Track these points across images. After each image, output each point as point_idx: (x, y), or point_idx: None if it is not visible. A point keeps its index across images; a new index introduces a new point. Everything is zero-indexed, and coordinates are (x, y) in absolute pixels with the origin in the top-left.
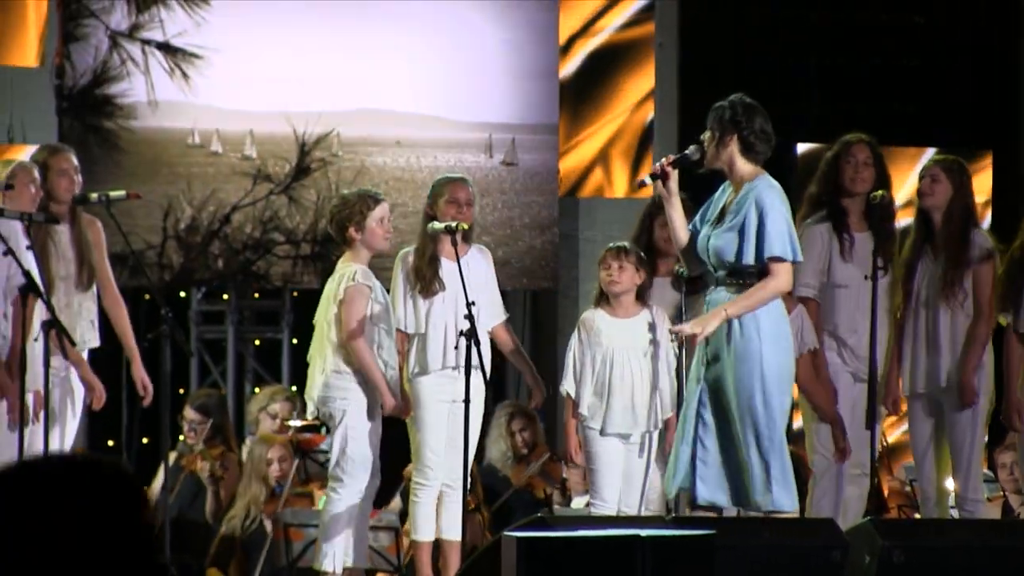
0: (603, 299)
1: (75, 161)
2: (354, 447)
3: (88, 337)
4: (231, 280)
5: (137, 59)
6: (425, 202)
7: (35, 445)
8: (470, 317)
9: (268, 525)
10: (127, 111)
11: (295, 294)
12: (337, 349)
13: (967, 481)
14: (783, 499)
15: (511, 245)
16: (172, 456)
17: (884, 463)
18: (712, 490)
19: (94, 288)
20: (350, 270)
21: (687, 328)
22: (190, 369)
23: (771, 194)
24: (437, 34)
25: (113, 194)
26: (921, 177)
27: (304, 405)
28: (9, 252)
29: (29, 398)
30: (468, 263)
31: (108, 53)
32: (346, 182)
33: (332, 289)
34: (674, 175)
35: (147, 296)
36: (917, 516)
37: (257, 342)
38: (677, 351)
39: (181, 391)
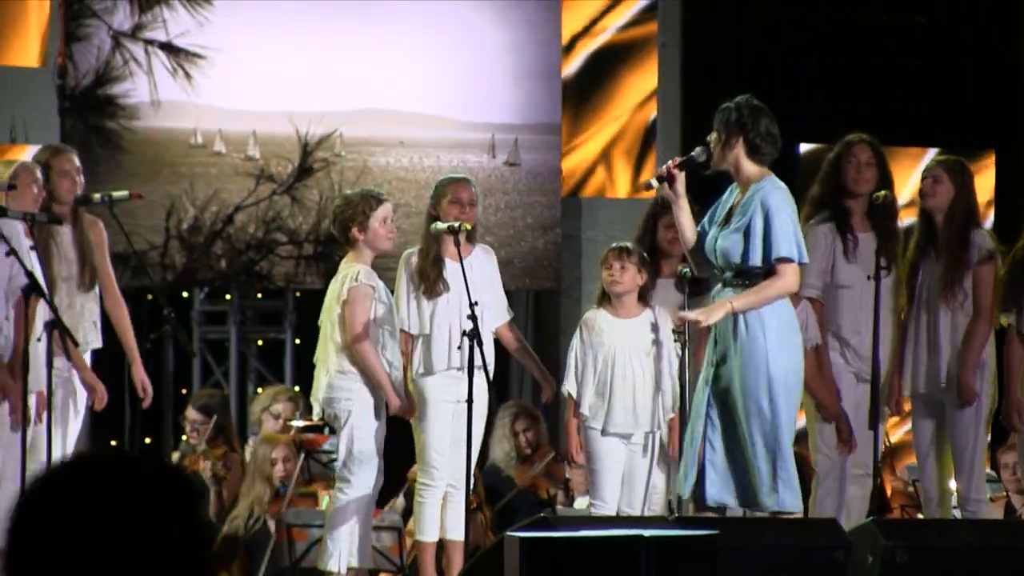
0: (605, 299)
1: (77, 162)
2: (360, 447)
3: (90, 338)
4: (234, 280)
5: (140, 59)
6: (428, 202)
7: (38, 445)
8: (473, 317)
9: (271, 525)
10: (130, 111)
11: (298, 294)
12: (341, 350)
13: (969, 481)
14: (789, 499)
15: (514, 245)
16: (175, 456)
17: (887, 463)
18: (720, 491)
19: (96, 289)
20: (353, 270)
21: (692, 315)
22: (193, 369)
23: (777, 195)
24: (440, 34)
25: (116, 194)
26: (923, 178)
27: (307, 405)
28: (12, 252)
29: (32, 399)
30: (472, 263)
31: (111, 53)
32: (349, 182)
33: (335, 290)
34: (680, 177)
35: (150, 296)
36: (920, 516)
37: (260, 342)
38: (680, 351)
39: (184, 391)
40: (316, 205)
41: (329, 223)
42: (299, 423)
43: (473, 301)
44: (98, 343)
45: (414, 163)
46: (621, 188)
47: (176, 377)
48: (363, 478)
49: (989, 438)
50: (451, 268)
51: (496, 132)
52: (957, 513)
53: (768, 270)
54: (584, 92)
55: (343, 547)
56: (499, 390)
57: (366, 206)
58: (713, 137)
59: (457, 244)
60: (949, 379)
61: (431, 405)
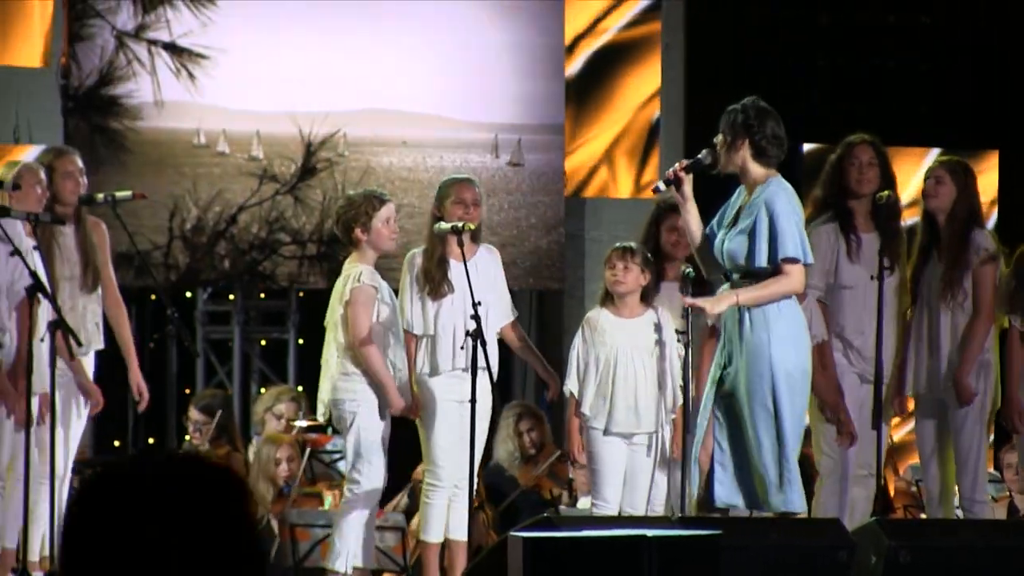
0: (608, 299)
1: (80, 163)
2: (368, 448)
3: (93, 339)
4: (237, 280)
5: (143, 59)
6: (431, 203)
7: (42, 446)
8: (476, 318)
9: (275, 525)
10: (133, 111)
11: (301, 294)
12: (344, 351)
13: (971, 482)
14: (796, 500)
15: (517, 245)
16: None
17: (890, 464)
18: (729, 492)
19: (99, 290)
20: (355, 271)
21: (699, 302)
22: (196, 369)
23: (783, 196)
24: (443, 34)
25: (119, 194)
26: (925, 178)
27: (310, 405)
28: (16, 252)
29: (35, 401)
30: (476, 263)
31: (114, 53)
32: (352, 182)
33: (338, 291)
34: (688, 180)
35: (153, 296)
36: (923, 516)
37: (263, 342)
38: (683, 351)
39: (187, 391)
40: (319, 205)
41: (332, 224)
42: (302, 423)
43: (476, 301)
44: (100, 344)
45: (417, 163)
46: (624, 188)
47: (179, 377)
48: (372, 478)
49: (992, 438)
50: (455, 269)
51: (499, 132)
52: (960, 513)
53: (774, 271)
54: (587, 92)
55: (351, 547)
56: (502, 390)
57: (369, 207)
58: (719, 139)
59: (461, 244)
60: (950, 379)
61: (436, 405)
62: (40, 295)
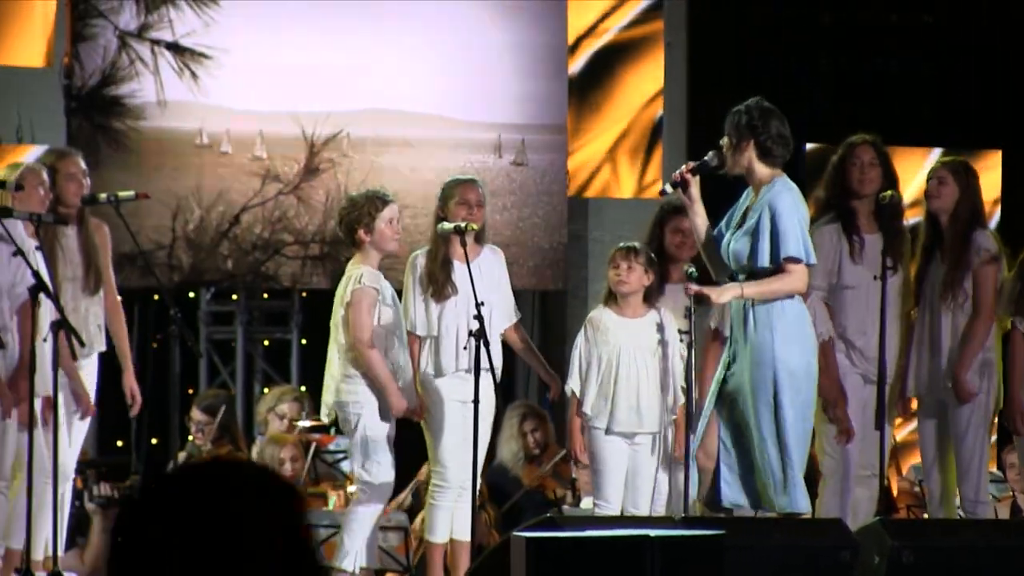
0: (611, 298)
1: (83, 165)
2: (374, 448)
3: (95, 341)
4: (240, 281)
5: (146, 59)
6: (435, 203)
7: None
8: (479, 318)
9: None
10: (136, 111)
11: (304, 294)
12: (346, 352)
13: (971, 482)
14: (800, 500)
15: (520, 245)
16: (181, 456)
17: (893, 464)
18: (735, 492)
19: (101, 292)
20: (356, 272)
21: (705, 289)
22: (199, 370)
23: (787, 196)
24: (446, 34)
25: (122, 194)
26: (928, 179)
27: (313, 405)
28: (19, 252)
29: (38, 403)
30: (480, 264)
31: (117, 53)
32: (355, 182)
33: (340, 292)
34: (695, 182)
35: (156, 297)
36: (926, 516)
37: (266, 342)
38: (685, 352)
39: (190, 391)
40: (322, 205)
41: (335, 225)
42: (305, 423)
43: (480, 302)
44: (103, 346)
45: (420, 163)
46: (626, 188)
47: (183, 377)
48: (380, 477)
49: (995, 438)
50: (459, 270)
51: (502, 132)
52: (962, 513)
53: (776, 270)
54: (589, 92)
55: (360, 547)
56: (505, 391)
57: (372, 207)
58: (725, 141)
59: (463, 244)
60: (950, 379)
61: (440, 407)
62: (43, 295)
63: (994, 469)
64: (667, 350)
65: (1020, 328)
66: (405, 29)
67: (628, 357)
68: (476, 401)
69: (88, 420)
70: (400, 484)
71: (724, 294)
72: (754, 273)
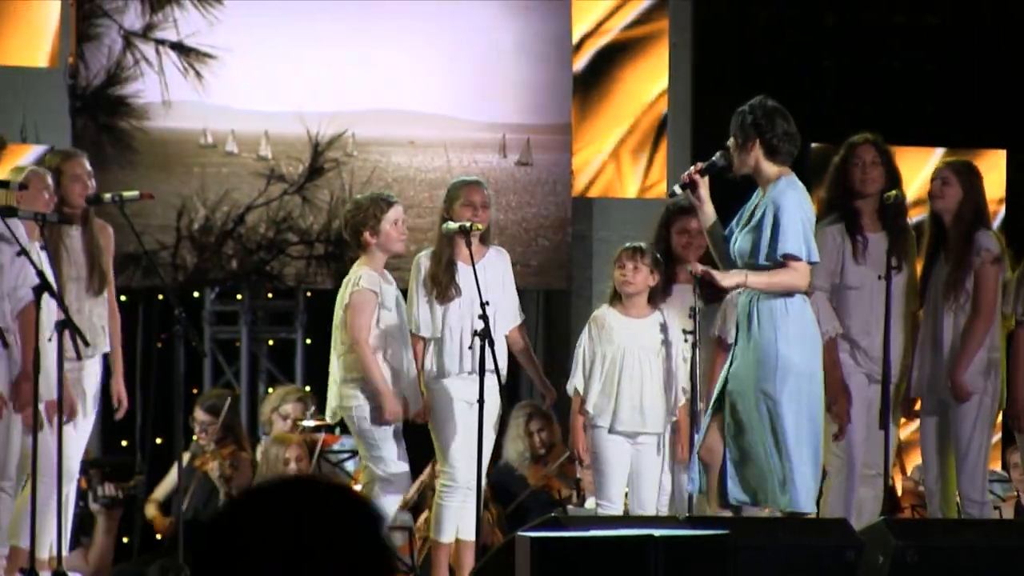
0: (616, 298)
1: (88, 166)
2: (383, 448)
3: (99, 342)
4: (245, 280)
5: (151, 59)
6: (439, 203)
7: (48, 445)
8: (484, 318)
9: None
10: (140, 111)
11: (309, 294)
12: (345, 355)
13: (971, 482)
14: (799, 500)
15: (525, 245)
16: (186, 457)
17: (897, 463)
18: (739, 490)
19: (105, 293)
20: (355, 275)
21: (711, 270)
22: (203, 370)
23: (790, 194)
24: (450, 34)
25: (126, 194)
26: (932, 179)
27: (318, 405)
28: (23, 252)
29: (42, 407)
30: (485, 265)
31: (122, 53)
32: (360, 182)
33: (340, 294)
34: (703, 182)
35: (160, 296)
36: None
37: (271, 342)
38: (689, 352)
39: (195, 391)
40: (327, 205)
41: (341, 228)
42: (309, 423)
43: (484, 302)
44: (106, 347)
45: (425, 163)
46: (630, 187)
47: (187, 377)
48: (392, 470)
49: (998, 437)
50: (463, 271)
51: (507, 132)
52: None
53: (777, 266)
54: (593, 91)
55: None
56: (511, 391)
57: (377, 209)
58: (731, 142)
59: (468, 244)
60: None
61: (446, 408)
62: (47, 295)
63: (998, 469)
64: (670, 351)
65: None
66: (410, 29)
67: (632, 357)
68: (481, 401)
69: (92, 420)
70: None
71: (728, 278)
72: (756, 269)
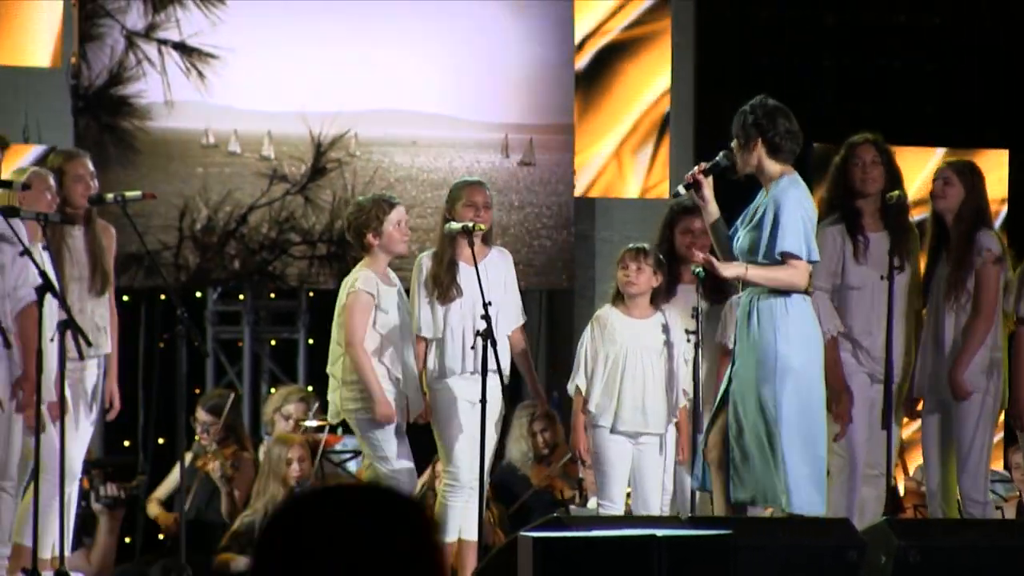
0: (619, 298)
1: (91, 166)
2: (386, 447)
3: (100, 342)
4: (247, 280)
5: (153, 59)
6: (442, 204)
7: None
8: (487, 317)
9: None
10: (143, 111)
11: (311, 294)
12: (344, 356)
13: (973, 482)
14: (797, 501)
15: (527, 245)
16: (188, 456)
17: (900, 463)
18: (740, 489)
19: (107, 294)
20: (353, 277)
21: (711, 258)
22: (206, 370)
23: (790, 192)
24: (453, 34)
25: (129, 194)
26: (934, 179)
27: (321, 405)
28: (26, 252)
29: (44, 408)
30: (487, 266)
31: (124, 53)
32: (362, 182)
33: (339, 295)
34: (707, 182)
35: (163, 296)
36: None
37: (273, 342)
38: (692, 352)
39: (197, 391)
40: (329, 205)
41: (344, 230)
42: (311, 423)
43: (487, 302)
44: (108, 348)
45: (428, 163)
46: (632, 187)
47: (189, 378)
48: (397, 466)
49: (1001, 436)
50: (465, 272)
51: (509, 132)
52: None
53: (776, 264)
54: (594, 91)
55: None
56: (514, 391)
57: (379, 211)
58: (734, 143)
59: (471, 244)
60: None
61: (449, 408)
62: (49, 295)
63: (1001, 470)
64: (672, 351)
65: None
66: (412, 29)
67: (635, 357)
68: (483, 401)
69: (94, 420)
70: None
71: (728, 269)
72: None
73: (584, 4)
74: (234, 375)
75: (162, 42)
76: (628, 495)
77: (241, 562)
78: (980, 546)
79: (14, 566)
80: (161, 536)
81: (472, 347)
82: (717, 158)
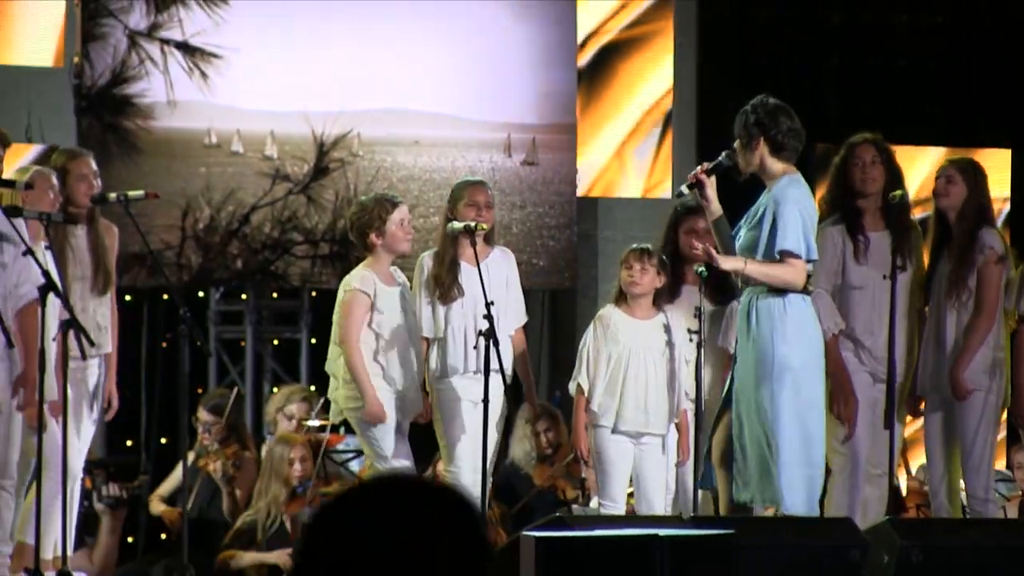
0: (621, 298)
1: (94, 166)
2: (385, 446)
3: (102, 342)
4: (249, 280)
5: (156, 59)
6: (444, 203)
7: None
8: (489, 317)
9: (289, 525)
10: (146, 111)
11: (313, 294)
12: (340, 355)
13: (976, 480)
14: (789, 502)
15: (530, 244)
16: (191, 456)
17: (902, 463)
18: (740, 488)
19: (109, 294)
20: (351, 276)
21: (711, 249)
22: (208, 369)
23: (791, 191)
24: (456, 34)
25: (132, 194)
26: (936, 178)
27: (324, 405)
28: (28, 252)
29: (45, 408)
30: (489, 266)
31: (127, 52)
32: (365, 182)
33: (338, 294)
34: (710, 182)
35: (165, 296)
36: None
37: (275, 342)
38: (694, 353)
39: (199, 391)
40: (332, 205)
41: (347, 230)
42: (314, 423)
43: (489, 301)
44: (109, 348)
45: (430, 163)
46: (634, 187)
47: (192, 377)
48: (397, 466)
49: (1004, 435)
50: (467, 271)
51: (512, 132)
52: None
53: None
54: (597, 90)
55: None
56: (516, 390)
57: (382, 211)
58: (736, 142)
59: (473, 244)
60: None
61: (451, 407)
62: (52, 294)
63: (1003, 468)
64: (674, 352)
65: None
66: (415, 29)
67: (637, 358)
68: (486, 400)
69: (96, 419)
70: None
71: (728, 262)
72: None
73: (586, 3)
74: (236, 375)
75: (165, 42)
76: (630, 495)
77: (243, 560)
78: (983, 546)
79: (17, 564)
80: (163, 536)
81: (475, 347)
82: (720, 158)
